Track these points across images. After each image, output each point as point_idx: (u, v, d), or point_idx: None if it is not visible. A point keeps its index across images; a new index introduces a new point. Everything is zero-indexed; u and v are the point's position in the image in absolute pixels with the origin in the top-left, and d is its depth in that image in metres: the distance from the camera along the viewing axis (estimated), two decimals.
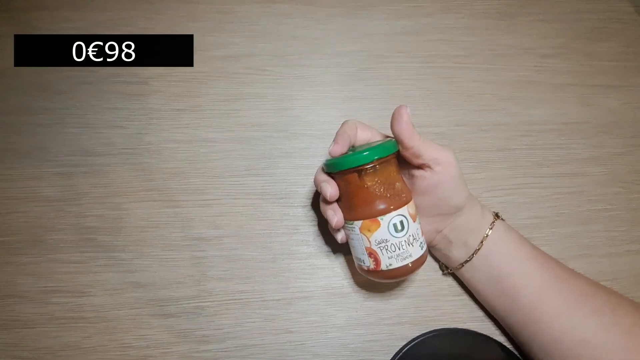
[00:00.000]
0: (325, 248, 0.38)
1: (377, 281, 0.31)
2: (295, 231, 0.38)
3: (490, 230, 0.32)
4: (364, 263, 0.30)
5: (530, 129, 0.42)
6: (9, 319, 0.35)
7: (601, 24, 0.45)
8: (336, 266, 0.37)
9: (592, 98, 0.43)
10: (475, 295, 0.36)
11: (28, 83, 0.39)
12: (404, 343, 0.34)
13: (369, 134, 0.32)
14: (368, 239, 0.29)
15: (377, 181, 0.29)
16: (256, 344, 0.35)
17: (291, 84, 0.41)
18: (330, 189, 0.30)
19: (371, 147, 0.29)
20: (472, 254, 0.32)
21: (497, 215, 0.34)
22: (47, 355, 0.34)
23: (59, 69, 0.40)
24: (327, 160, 0.30)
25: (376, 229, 0.29)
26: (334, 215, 0.31)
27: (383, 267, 0.29)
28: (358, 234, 0.30)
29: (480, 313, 0.36)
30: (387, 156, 0.29)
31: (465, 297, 0.37)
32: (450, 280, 0.37)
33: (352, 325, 0.36)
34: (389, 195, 0.29)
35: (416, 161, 0.30)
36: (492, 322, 0.36)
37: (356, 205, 0.30)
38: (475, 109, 0.42)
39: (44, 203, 0.37)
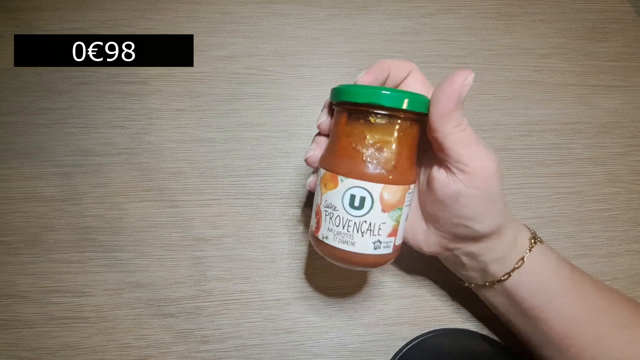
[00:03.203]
0: None
1: (317, 251, 0.27)
2: (295, 231, 0.38)
3: (522, 262, 0.26)
4: (312, 222, 0.26)
5: (530, 129, 0.42)
6: (9, 319, 0.35)
7: (601, 24, 0.45)
8: (336, 266, 0.37)
9: (592, 98, 0.43)
10: (491, 309, 0.32)
11: (28, 83, 0.39)
12: (404, 343, 0.34)
13: (419, 88, 0.25)
14: (321, 196, 0.24)
15: (364, 136, 0.22)
16: (256, 344, 0.35)
17: (291, 84, 0.41)
18: (322, 116, 0.25)
19: (382, 89, 0.22)
20: (493, 283, 0.27)
21: (534, 240, 0.27)
22: (47, 356, 0.34)
23: (59, 69, 0.40)
24: None
25: (331, 189, 0.23)
26: (313, 147, 0.26)
27: (320, 235, 0.24)
28: (319, 186, 0.25)
29: (480, 313, 0.36)
30: (388, 107, 0.21)
31: (466, 297, 0.37)
32: (450, 281, 0.37)
33: (352, 325, 0.36)
34: (369, 160, 0.22)
35: (438, 153, 0.24)
36: (492, 323, 0.36)
37: (331, 151, 0.24)
38: (475, 108, 0.42)
39: (44, 203, 0.37)
